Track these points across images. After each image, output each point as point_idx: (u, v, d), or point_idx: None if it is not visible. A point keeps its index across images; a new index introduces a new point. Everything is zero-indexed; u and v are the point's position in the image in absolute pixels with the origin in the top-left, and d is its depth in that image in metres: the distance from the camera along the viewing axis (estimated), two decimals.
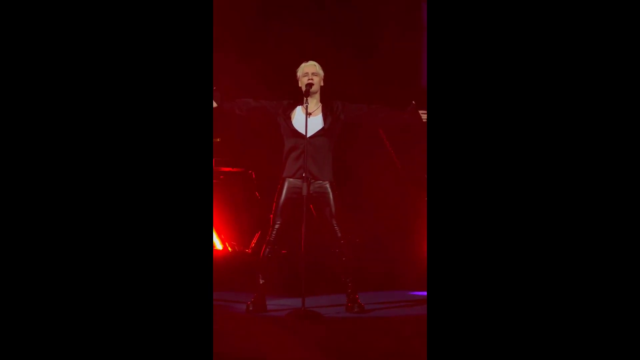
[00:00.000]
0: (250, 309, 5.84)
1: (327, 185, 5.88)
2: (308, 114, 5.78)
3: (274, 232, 5.91)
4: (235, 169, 8.96)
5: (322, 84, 5.97)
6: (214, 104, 5.92)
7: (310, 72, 5.91)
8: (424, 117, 5.88)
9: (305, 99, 5.78)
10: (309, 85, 5.83)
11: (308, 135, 5.78)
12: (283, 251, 6.53)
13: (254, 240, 8.51)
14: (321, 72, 5.96)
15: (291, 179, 5.87)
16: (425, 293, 6.01)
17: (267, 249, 5.93)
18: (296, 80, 5.99)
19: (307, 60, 6.00)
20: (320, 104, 5.96)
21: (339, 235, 5.91)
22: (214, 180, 9.08)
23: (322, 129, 5.86)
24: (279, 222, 5.91)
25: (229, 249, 8.62)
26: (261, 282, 5.92)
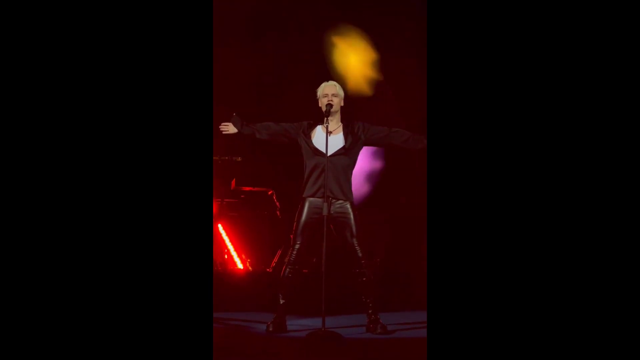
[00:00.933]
0: (271, 329, 5.82)
1: (348, 205, 5.87)
2: (329, 133, 5.79)
3: (294, 251, 5.91)
4: (256, 189, 8.97)
5: (342, 104, 5.98)
6: (234, 130, 5.98)
7: (330, 92, 5.92)
8: None
9: (325, 119, 5.80)
10: (329, 105, 5.84)
11: (328, 154, 5.77)
12: (304, 270, 6.51)
13: (275, 260, 8.51)
14: (341, 93, 5.97)
15: (312, 199, 5.87)
16: None
17: (288, 269, 5.91)
18: (316, 100, 6.00)
19: (327, 80, 6.02)
20: (340, 123, 5.97)
21: (360, 255, 5.88)
22: (234, 200, 9.12)
23: (343, 147, 5.86)
24: (299, 242, 5.90)
25: (250, 268, 8.62)
26: (281, 302, 5.90)
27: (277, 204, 8.84)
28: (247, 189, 8.97)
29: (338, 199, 5.84)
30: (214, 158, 8.20)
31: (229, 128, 6.04)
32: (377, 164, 8.98)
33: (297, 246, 5.90)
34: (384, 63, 8.51)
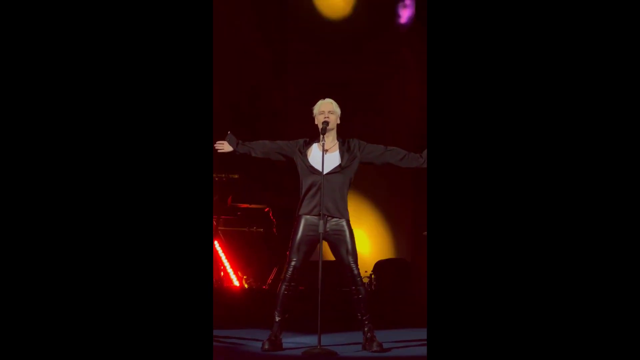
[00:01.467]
0: (266, 347, 5.81)
1: (344, 223, 5.87)
2: (325, 151, 5.80)
3: (290, 269, 5.90)
4: (252, 206, 8.99)
5: (338, 121, 5.99)
6: (229, 148, 5.97)
7: (326, 110, 5.93)
8: None
9: (321, 136, 5.81)
10: (326, 123, 5.85)
11: (324, 172, 5.78)
12: (300, 288, 6.51)
13: (271, 277, 8.51)
14: (338, 110, 5.99)
15: (307, 216, 5.87)
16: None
17: (283, 286, 5.91)
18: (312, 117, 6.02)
19: (324, 98, 6.03)
20: (337, 141, 5.98)
21: (356, 272, 5.88)
22: (230, 217, 9.13)
23: (339, 165, 5.87)
24: (295, 259, 5.90)
25: (245, 285, 8.62)
26: (277, 320, 5.89)
27: (274, 220, 8.85)
28: (244, 205, 8.98)
29: (334, 217, 5.84)
30: (234, 176, 8.24)
31: (224, 146, 6.02)
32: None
33: (293, 263, 5.90)
34: None
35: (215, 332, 6.22)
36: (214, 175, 9.25)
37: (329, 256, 5.99)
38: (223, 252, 8.92)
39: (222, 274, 8.84)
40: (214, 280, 8.72)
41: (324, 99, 6.02)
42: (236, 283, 8.70)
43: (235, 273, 8.78)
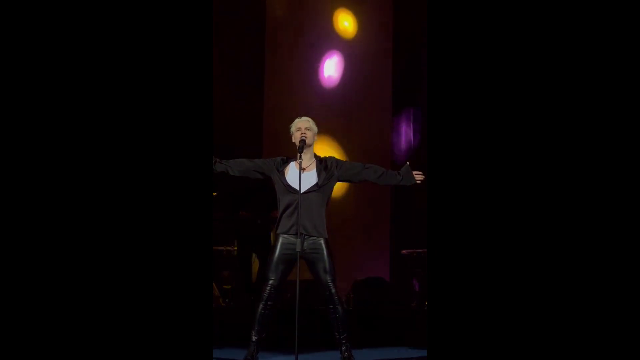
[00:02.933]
0: None
1: (322, 241, 5.85)
2: (302, 169, 5.78)
3: (268, 287, 5.87)
4: (230, 224, 8.96)
5: (315, 138, 5.98)
6: None
7: (303, 127, 5.93)
8: (418, 177, 5.91)
9: (298, 154, 5.79)
10: (303, 141, 5.84)
11: (302, 190, 5.77)
12: (277, 307, 6.48)
13: (250, 295, 8.48)
14: (315, 128, 5.98)
15: (285, 235, 5.85)
16: (424, 352, 5.93)
17: (260, 305, 5.88)
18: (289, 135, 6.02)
19: (300, 116, 6.02)
20: (314, 159, 5.97)
21: (333, 291, 5.86)
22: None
23: (316, 184, 5.86)
24: (272, 279, 5.87)
25: (223, 304, 8.57)
26: (254, 339, 5.86)
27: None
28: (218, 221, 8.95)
29: (311, 236, 5.82)
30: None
31: None
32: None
33: (270, 282, 5.87)
34: None
35: None
36: None
37: (308, 275, 5.97)
38: None
39: None
40: None
41: (300, 117, 6.02)
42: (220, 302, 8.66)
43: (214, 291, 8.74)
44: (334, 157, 5.99)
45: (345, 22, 11.02)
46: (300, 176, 5.75)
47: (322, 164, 5.95)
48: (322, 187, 5.87)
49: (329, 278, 5.85)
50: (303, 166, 5.81)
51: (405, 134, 10.76)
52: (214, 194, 9.31)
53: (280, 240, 5.87)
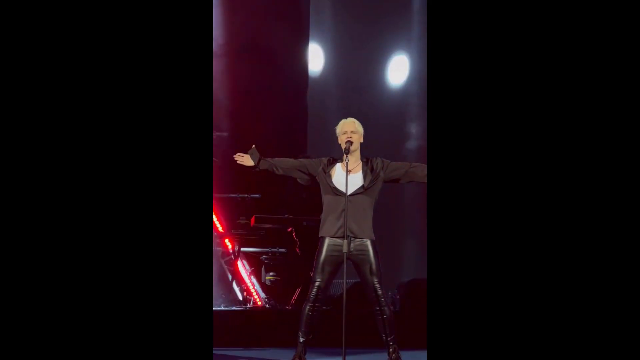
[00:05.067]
0: None
1: (368, 243, 5.85)
2: (348, 171, 5.77)
3: (314, 289, 5.88)
4: (275, 225, 8.98)
5: (361, 140, 5.97)
6: (250, 162, 5.93)
7: (349, 130, 5.90)
8: None
9: (345, 156, 5.79)
10: (349, 142, 5.83)
11: (348, 193, 5.76)
12: (324, 308, 6.49)
13: (294, 297, 8.49)
14: (360, 129, 5.96)
15: (331, 237, 5.85)
16: None
17: (307, 307, 5.89)
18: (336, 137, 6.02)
19: (346, 117, 6.02)
20: (360, 161, 5.96)
21: (380, 292, 5.86)
22: (254, 237, 9.14)
23: (362, 186, 5.85)
24: (319, 280, 5.88)
25: (269, 305, 8.60)
26: (301, 340, 5.87)
27: (297, 240, 8.84)
28: (267, 225, 8.98)
29: (358, 237, 5.82)
30: (215, 160, 8.24)
31: (245, 160, 5.98)
32: None
33: (317, 283, 5.88)
34: None
35: (239, 352, 6.23)
36: (237, 194, 9.29)
37: (354, 276, 5.98)
38: (246, 272, 8.92)
39: (245, 293, 8.84)
40: (238, 300, 8.74)
41: (346, 118, 6.02)
42: (259, 302, 8.69)
43: (259, 293, 8.78)
44: (380, 158, 5.98)
45: None
46: (347, 178, 5.75)
47: (369, 165, 5.93)
48: (368, 189, 5.86)
49: (375, 279, 5.85)
50: (349, 168, 5.81)
51: None
52: (258, 195, 9.37)
53: (327, 242, 5.87)
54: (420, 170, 5.94)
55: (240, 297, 8.82)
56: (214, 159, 7.62)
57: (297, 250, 8.87)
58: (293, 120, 10.10)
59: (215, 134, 8.98)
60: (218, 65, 9.18)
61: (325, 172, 5.92)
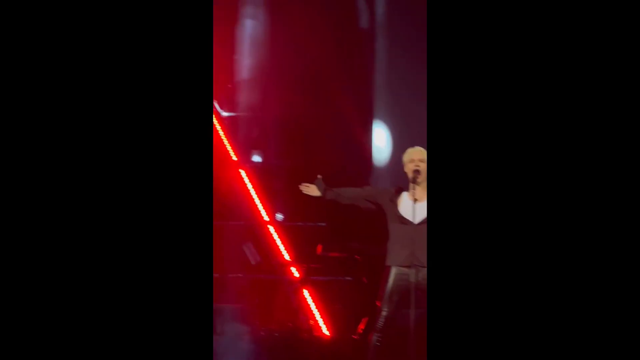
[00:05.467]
0: None
1: None
2: (415, 200, 5.74)
3: (382, 319, 5.85)
4: (341, 254, 8.97)
5: None
6: (317, 193, 5.95)
7: (417, 158, 5.87)
8: None
9: (411, 185, 5.76)
10: (417, 172, 5.80)
11: (415, 222, 5.73)
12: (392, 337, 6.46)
13: (361, 326, 8.45)
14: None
15: (398, 266, 5.82)
16: None
17: (376, 337, 5.87)
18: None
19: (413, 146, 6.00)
20: (427, 190, 5.92)
21: None
22: (320, 265, 9.15)
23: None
24: (386, 310, 5.85)
25: (335, 334, 8.58)
26: None
27: (363, 269, 8.83)
28: (334, 254, 8.97)
29: (425, 267, 5.78)
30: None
31: (311, 190, 6.01)
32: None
33: (384, 313, 5.85)
34: None
35: None
36: (302, 222, 9.34)
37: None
38: (313, 300, 8.93)
39: (311, 322, 8.83)
40: (304, 330, 8.73)
41: (413, 147, 5.99)
42: (326, 332, 8.67)
43: (325, 322, 8.76)
44: None
45: None
46: (414, 207, 5.71)
47: None
48: None
49: None
50: (416, 197, 5.77)
51: None
52: (324, 224, 9.38)
53: (394, 271, 5.84)
54: None
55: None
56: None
57: (364, 279, 8.85)
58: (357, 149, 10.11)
59: (278, 162, 9.04)
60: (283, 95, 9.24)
61: (392, 201, 5.90)
